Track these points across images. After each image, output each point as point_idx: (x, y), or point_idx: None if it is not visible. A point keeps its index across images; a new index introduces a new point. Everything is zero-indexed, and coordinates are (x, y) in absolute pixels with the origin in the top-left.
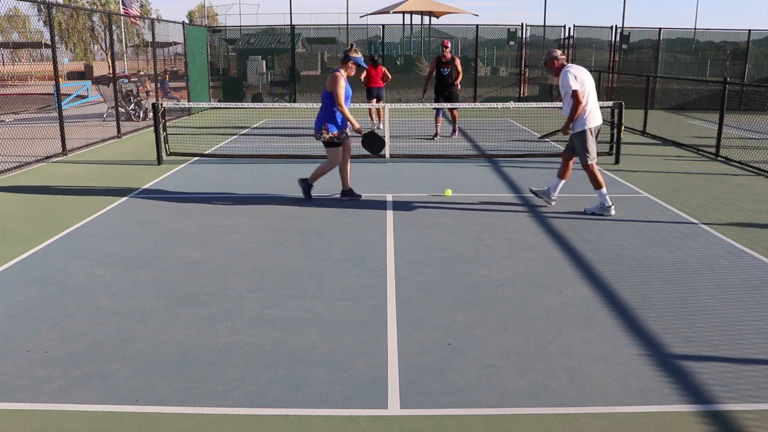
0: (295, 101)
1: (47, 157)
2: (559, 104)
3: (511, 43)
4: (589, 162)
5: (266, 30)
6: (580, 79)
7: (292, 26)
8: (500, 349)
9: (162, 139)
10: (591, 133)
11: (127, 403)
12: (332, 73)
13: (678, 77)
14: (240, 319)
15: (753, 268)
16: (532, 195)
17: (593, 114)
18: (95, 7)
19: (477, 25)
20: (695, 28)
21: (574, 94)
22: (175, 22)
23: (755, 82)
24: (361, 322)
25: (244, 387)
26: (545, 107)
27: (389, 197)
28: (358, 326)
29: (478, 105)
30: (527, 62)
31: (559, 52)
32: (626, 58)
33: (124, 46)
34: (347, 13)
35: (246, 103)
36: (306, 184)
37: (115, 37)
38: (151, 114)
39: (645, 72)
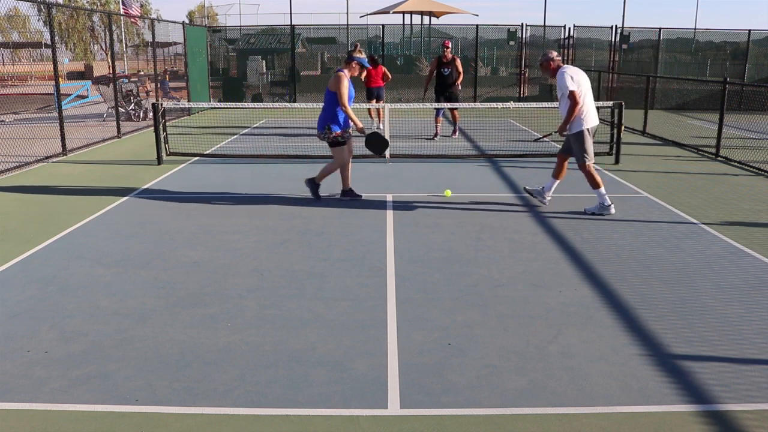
0: (295, 101)
1: (47, 157)
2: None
3: (511, 43)
4: (588, 162)
5: (266, 30)
6: (577, 79)
7: (292, 26)
8: (500, 349)
9: (162, 139)
10: (589, 133)
11: (127, 403)
12: (336, 73)
13: (678, 77)
14: (240, 319)
15: (753, 268)
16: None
17: (590, 114)
18: (95, 7)
19: (477, 25)
20: (695, 28)
21: (572, 95)
22: (175, 22)
23: (755, 82)
24: (361, 322)
25: (244, 387)
26: (545, 107)
27: (389, 197)
28: (358, 326)
29: (478, 105)
30: (527, 62)
31: (554, 53)
32: (626, 58)
33: (124, 46)
34: (347, 13)
35: (246, 103)
36: (313, 185)
37: (115, 37)
38: (151, 114)
39: (645, 72)
